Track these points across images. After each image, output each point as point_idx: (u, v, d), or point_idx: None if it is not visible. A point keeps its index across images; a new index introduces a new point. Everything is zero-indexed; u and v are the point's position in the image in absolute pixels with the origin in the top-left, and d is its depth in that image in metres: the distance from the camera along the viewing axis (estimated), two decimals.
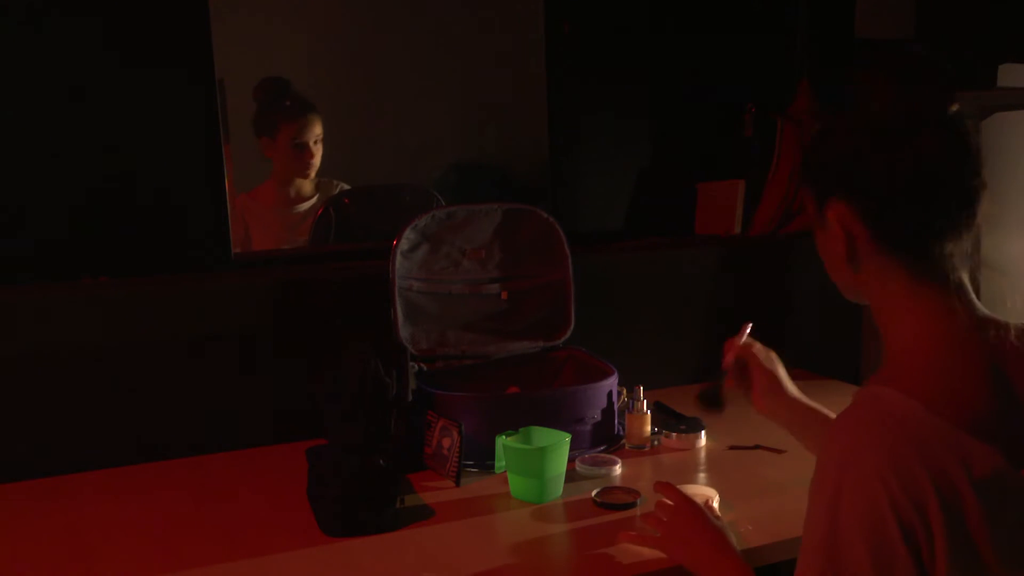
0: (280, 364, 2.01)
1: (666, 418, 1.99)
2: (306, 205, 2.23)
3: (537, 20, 2.34)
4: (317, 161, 2.21)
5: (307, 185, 2.21)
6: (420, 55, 2.26)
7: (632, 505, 1.61)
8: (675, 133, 2.56)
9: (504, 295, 2.11)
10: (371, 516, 1.54)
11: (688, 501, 1.41)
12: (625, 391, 1.99)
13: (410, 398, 1.87)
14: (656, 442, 1.93)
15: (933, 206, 1.02)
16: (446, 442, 1.76)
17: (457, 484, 1.73)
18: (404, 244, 1.99)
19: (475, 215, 2.06)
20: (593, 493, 1.64)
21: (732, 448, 1.91)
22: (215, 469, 1.88)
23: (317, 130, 2.21)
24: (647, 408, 1.93)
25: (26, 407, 1.84)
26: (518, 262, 2.11)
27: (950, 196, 1.02)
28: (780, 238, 2.49)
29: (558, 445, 1.65)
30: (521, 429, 1.72)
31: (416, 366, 1.96)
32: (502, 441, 1.69)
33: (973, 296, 1.04)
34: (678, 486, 1.64)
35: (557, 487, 1.66)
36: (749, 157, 2.56)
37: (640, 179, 2.54)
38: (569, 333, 2.10)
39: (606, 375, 1.92)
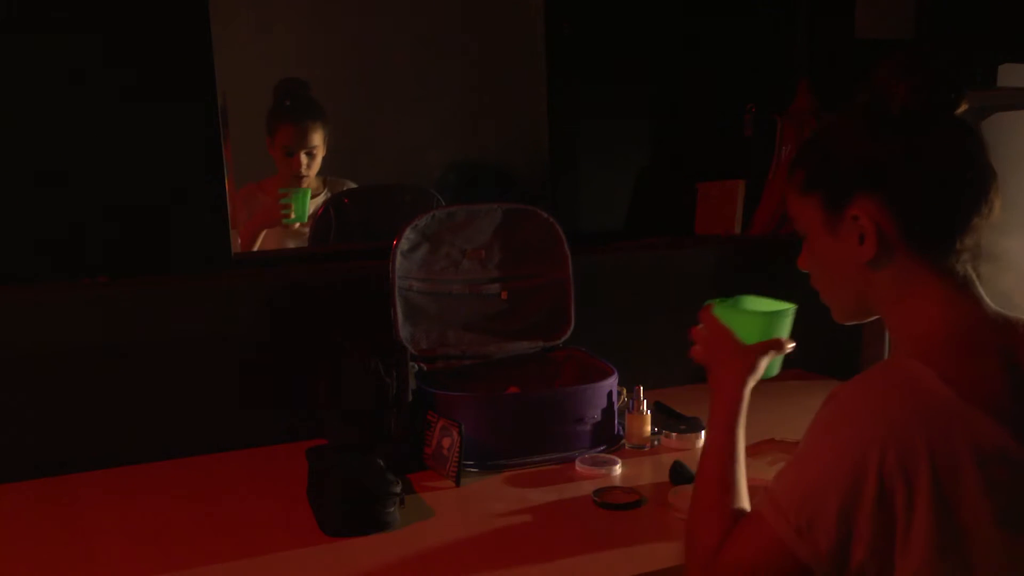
0: (280, 364, 2.01)
1: (666, 418, 1.99)
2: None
3: (537, 20, 2.33)
4: (306, 171, 2.16)
5: (313, 182, 2.20)
6: (420, 55, 2.26)
7: (632, 505, 1.61)
8: (675, 133, 2.55)
9: (504, 295, 2.11)
10: (371, 516, 1.54)
11: (722, 331, 1.35)
12: (625, 391, 2.00)
13: (410, 398, 1.87)
14: (656, 442, 1.93)
15: (958, 201, 1.05)
16: (446, 442, 1.76)
17: (457, 484, 1.73)
18: (404, 244, 1.99)
19: (475, 215, 2.07)
20: (593, 493, 1.64)
21: None
22: (215, 469, 1.88)
23: (313, 140, 2.17)
24: (647, 408, 1.93)
25: (26, 407, 1.84)
26: (518, 262, 2.11)
27: (972, 191, 1.06)
28: (780, 238, 2.49)
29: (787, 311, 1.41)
30: (729, 299, 1.49)
31: (416, 366, 1.96)
32: (740, 306, 1.46)
33: (981, 290, 1.08)
34: (681, 485, 1.65)
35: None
36: (749, 157, 2.56)
37: (640, 179, 2.54)
38: (569, 333, 2.10)
39: (606, 375, 1.92)
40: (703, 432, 1.93)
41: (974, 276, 1.07)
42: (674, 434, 1.93)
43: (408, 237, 2.00)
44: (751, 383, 1.28)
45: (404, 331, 1.98)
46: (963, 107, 1.06)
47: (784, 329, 1.38)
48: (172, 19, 2.01)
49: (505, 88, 2.37)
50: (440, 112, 2.30)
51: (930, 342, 1.04)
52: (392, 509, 1.56)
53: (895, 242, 1.07)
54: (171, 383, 1.94)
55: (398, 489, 1.58)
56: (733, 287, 2.39)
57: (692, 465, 1.76)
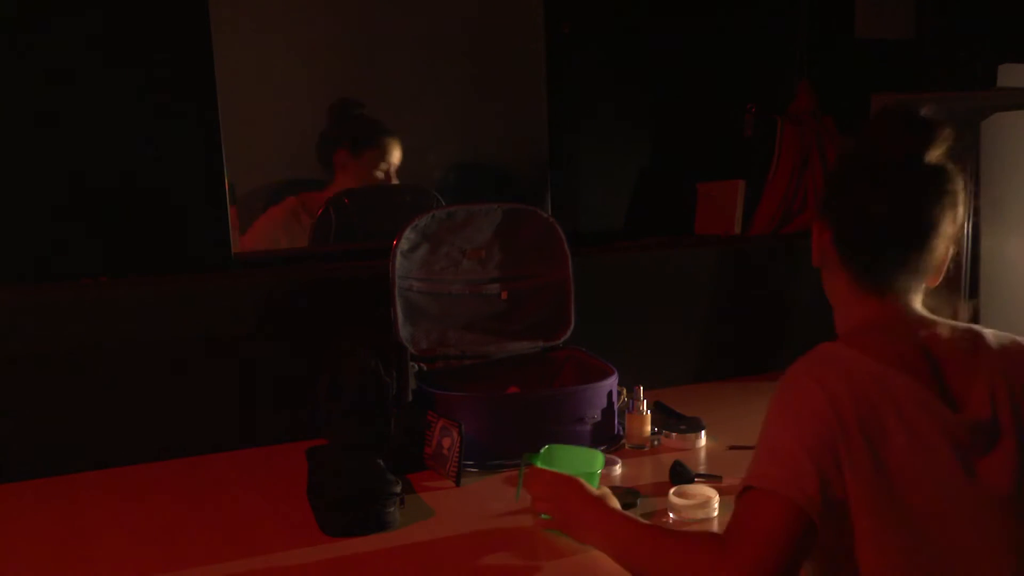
0: (280, 364, 2.01)
1: (666, 418, 1.99)
2: None
3: (537, 20, 2.34)
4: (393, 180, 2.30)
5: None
6: (420, 55, 2.26)
7: (632, 506, 1.61)
8: (675, 133, 2.56)
9: (504, 295, 2.11)
10: (371, 516, 1.54)
11: (563, 478, 1.46)
12: (625, 391, 2.00)
13: (410, 398, 1.87)
14: (656, 442, 1.93)
15: (876, 233, 1.24)
16: (446, 442, 1.76)
17: (457, 484, 1.73)
18: (404, 244, 1.99)
19: (475, 215, 2.07)
20: None
21: (732, 448, 1.91)
22: (215, 469, 1.88)
23: (398, 155, 2.29)
24: (647, 408, 1.93)
25: (26, 407, 1.84)
26: (518, 262, 2.11)
27: (899, 236, 1.23)
28: (780, 238, 2.49)
29: (597, 464, 1.58)
30: (542, 450, 1.61)
31: (416, 366, 1.96)
32: (539, 464, 1.56)
33: (915, 303, 1.26)
34: (681, 485, 1.65)
35: None
36: (749, 157, 2.56)
37: (640, 179, 2.54)
38: (569, 333, 2.10)
39: (606, 375, 1.92)
40: (703, 432, 1.93)
41: (910, 291, 1.24)
42: (674, 434, 1.93)
43: (408, 237, 2.00)
44: (602, 495, 1.44)
45: (404, 331, 1.98)
46: (929, 161, 1.22)
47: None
48: (173, 20, 2.01)
49: (505, 88, 2.37)
50: (440, 112, 2.30)
51: (856, 332, 1.25)
52: (392, 509, 1.56)
53: (831, 257, 1.28)
54: (171, 383, 1.94)
55: (398, 489, 1.58)
56: (733, 287, 2.41)
57: (692, 465, 1.76)
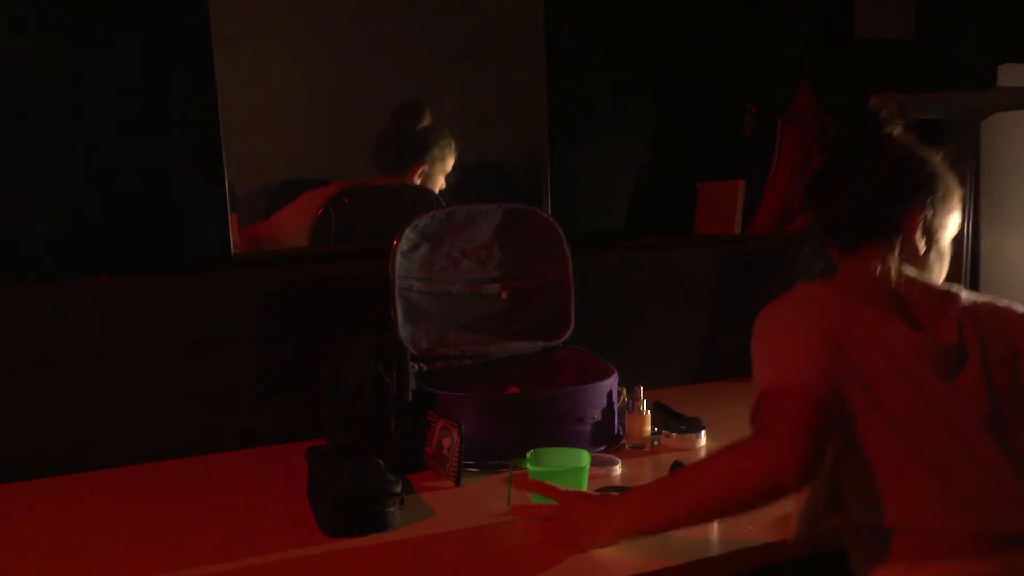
0: (280, 364, 2.01)
1: (666, 418, 1.99)
2: None
3: (537, 20, 2.33)
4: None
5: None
6: (420, 55, 2.26)
7: None
8: (675, 133, 2.56)
9: (504, 295, 2.11)
10: (371, 516, 1.54)
11: (557, 495, 1.47)
12: (625, 391, 2.00)
13: (410, 398, 1.87)
14: (656, 442, 1.93)
15: (850, 212, 1.42)
16: (446, 442, 1.76)
17: (457, 484, 1.73)
18: (404, 244, 1.99)
19: (475, 215, 2.07)
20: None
21: None
22: (215, 469, 1.88)
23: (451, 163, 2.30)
24: (647, 408, 1.93)
25: (26, 407, 1.84)
26: (518, 262, 2.11)
27: (863, 207, 1.41)
28: (780, 238, 2.49)
29: (584, 460, 1.60)
30: (528, 454, 1.62)
31: (416, 366, 1.96)
32: (531, 468, 1.58)
33: (892, 266, 1.38)
34: None
35: None
36: (749, 157, 2.56)
37: (640, 179, 2.54)
38: (569, 333, 2.10)
39: (606, 375, 1.92)
40: (703, 432, 1.93)
41: (891, 264, 1.38)
42: (674, 434, 1.93)
43: (408, 237, 2.00)
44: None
45: (404, 331, 1.98)
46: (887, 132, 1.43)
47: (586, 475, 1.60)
48: (173, 22, 2.01)
49: (505, 88, 2.37)
50: (440, 112, 2.30)
51: (831, 280, 1.42)
52: (392, 509, 1.56)
53: (818, 231, 1.47)
54: (171, 383, 1.94)
55: (398, 489, 1.58)
56: (733, 287, 2.41)
57: None
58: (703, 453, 1.90)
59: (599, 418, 1.89)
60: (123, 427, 1.90)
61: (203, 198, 2.08)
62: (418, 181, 2.28)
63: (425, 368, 1.99)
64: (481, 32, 2.31)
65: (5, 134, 1.91)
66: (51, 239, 1.97)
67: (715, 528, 1.52)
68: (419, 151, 2.29)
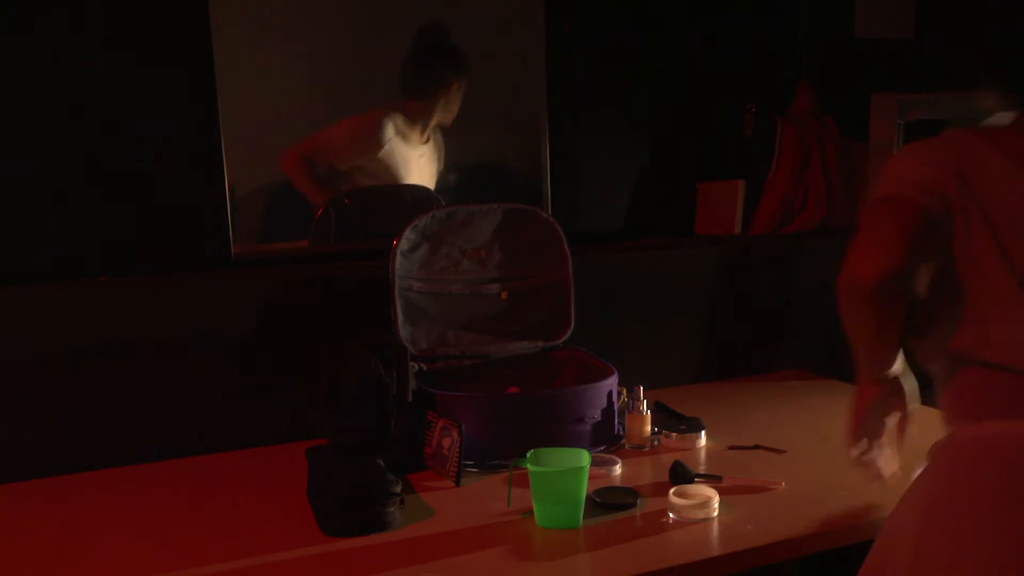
0: (280, 364, 2.01)
1: (666, 418, 1.99)
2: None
3: (537, 20, 2.34)
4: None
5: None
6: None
7: (632, 505, 1.61)
8: (675, 133, 2.56)
9: (504, 295, 2.11)
10: (371, 516, 1.54)
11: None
12: (625, 391, 2.00)
13: (410, 398, 1.87)
14: (656, 442, 1.93)
15: None
16: (446, 442, 1.76)
17: (457, 484, 1.73)
18: (404, 244, 1.99)
19: (475, 215, 2.07)
20: (593, 493, 1.64)
21: (732, 448, 1.91)
22: (215, 469, 1.88)
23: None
24: (647, 408, 1.93)
25: (26, 407, 1.84)
26: (518, 262, 2.11)
27: None
28: (780, 238, 2.49)
29: (584, 459, 1.59)
30: (528, 454, 1.60)
31: (416, 366, 1.96)
32: (531, 468, 1.56)
33: None
34: (681, 485, 1.65)
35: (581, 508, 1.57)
36: (749, 157, 2.56)
37: (640, 179, 2.54)
38: (569, 333, 2.10)
39: (606, 375, 1.92)
40: (703, 432, 1.93)
41: None
42: (674, 434, 1.93)
43: (408, 237, 2.00)
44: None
45: (404, 331, 1.98)
46: None
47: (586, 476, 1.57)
48: (173, 22, 2.01)
49: (505, 88, 2.37)
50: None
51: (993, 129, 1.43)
52: (392, 509, 1.56)
53: (1001, 84, 1.50)
54: (171, 383, 1.94)
55: (398, 489, 1.58)
56: (733, 287, 2.41)
57: (692, 465, 1.76)
58: (703, 453, 1.90)
59: (599, 418, 1.89)
60: (123, 427, 1.90)
61: (203, 198, 2.08)
62: (442, 103, 2.29)
63: (425, 368, 1.99)
64: (481, 31, 2.31)
65: (5, 134, 1.91)
66: (51, 239, 1.97)
67: (715, 528, 1.52)
68: (445, 73, 2.31)
